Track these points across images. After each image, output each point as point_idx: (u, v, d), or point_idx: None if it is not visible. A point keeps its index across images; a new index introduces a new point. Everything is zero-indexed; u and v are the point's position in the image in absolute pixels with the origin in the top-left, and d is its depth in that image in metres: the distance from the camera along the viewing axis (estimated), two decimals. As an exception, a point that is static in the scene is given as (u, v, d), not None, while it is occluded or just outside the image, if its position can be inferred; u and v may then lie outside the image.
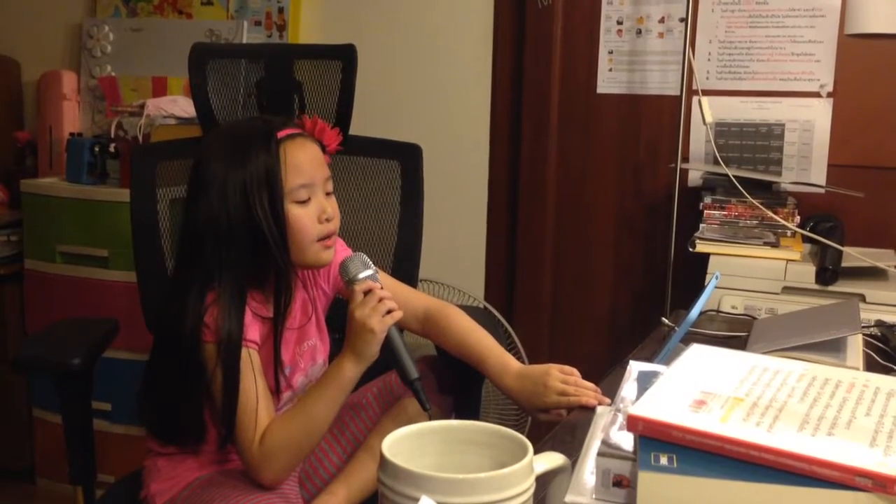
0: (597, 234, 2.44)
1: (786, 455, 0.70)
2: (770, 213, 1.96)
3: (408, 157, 1.75)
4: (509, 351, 1.41)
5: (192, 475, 1.35)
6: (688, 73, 2.14)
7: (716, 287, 1.54)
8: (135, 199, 1.66)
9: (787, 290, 1.83)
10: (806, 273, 1.82)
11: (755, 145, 2.25)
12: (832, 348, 1.32)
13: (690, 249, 1.94)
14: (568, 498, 0.84)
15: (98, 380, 1.52)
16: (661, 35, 2.32)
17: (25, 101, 2.96)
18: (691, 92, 2.18)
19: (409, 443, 0.79)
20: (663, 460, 0.73)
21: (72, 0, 2.88)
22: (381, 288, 1.28)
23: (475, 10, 2.49)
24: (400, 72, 2.57)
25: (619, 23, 2.36)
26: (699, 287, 1.58)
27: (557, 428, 1.14)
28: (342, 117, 1.72)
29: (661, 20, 2.32)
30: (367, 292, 1.26)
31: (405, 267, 1.73)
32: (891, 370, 1.36)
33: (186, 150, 1.68)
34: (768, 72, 2.22)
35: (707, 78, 2.27)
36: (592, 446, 0.95)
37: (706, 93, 2.17)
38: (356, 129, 1.75)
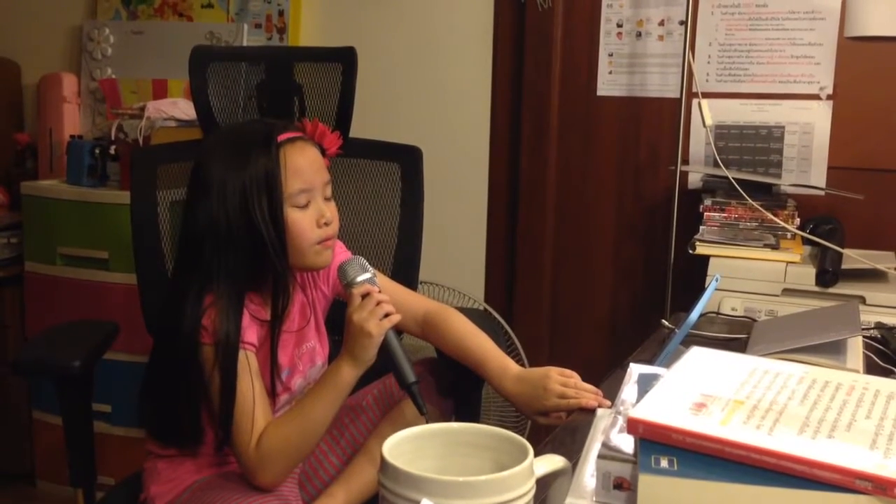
0: (597, 236, 2.44)
1: (786, 458, 0.70)
2: (770, 216, 1.96)
3: (408, 160, 1.75)
4: (509, 353, 1.41)
5: (192, 477, 1.35)
6: (688, 76, 2.14)
7: (716, 289, 1.54)
8: (135, 202, 1.66)
9: (787, 292, 1.83)
10: (806, 275, 1.82)
11: (755, 147, 2.25)
12: (832, 350, 1.32)
13: (690, 251, 1.94)
14: (568, 500, 0.84)
15: (98, 382, 1.52)
16: (660, 38, 2.32)
17: (26, 104, 2.96)
18: (691, 94, 2.18)
19: (409, 445, 0.79)
20: (664, 463, 0.73)
21: (72, 2, 2.88)
22: (380, 291, 1.28)
23: (475, 13, 2.49)
24: (400, 74, 2.58)
25: (619, 25, 2.36)
26: (699, 289, 1.58)
27: (558, 430, 1.14)
28: (342, 120, 1.72)
29: (661, 23, 2.32)
30: (365, 296, 1.26)
31: (405, 269, 1.72)
32: (891, 372, 1.36)
33: (187, 153, 1.68)
34: (768, 74, 2.22)
35: (707, 80, 2.27)
36: (593, 449, 0.95)
37: (706, 95, 2.17)
38: (356, 131, 1.75)
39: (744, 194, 1.96)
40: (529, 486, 0.74)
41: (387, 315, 1.26)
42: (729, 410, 0.78)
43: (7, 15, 2.96)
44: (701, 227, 2.02)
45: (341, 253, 1.44)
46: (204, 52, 1.78)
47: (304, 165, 1.30)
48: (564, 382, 1.27)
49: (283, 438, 1.25)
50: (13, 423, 2.60)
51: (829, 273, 1.79)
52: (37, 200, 2.52)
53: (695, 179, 2.28)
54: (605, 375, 1.32)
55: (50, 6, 2.90)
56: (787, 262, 1.87)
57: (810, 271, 1.83)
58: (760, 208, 1.96)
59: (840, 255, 1.85)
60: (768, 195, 2.05)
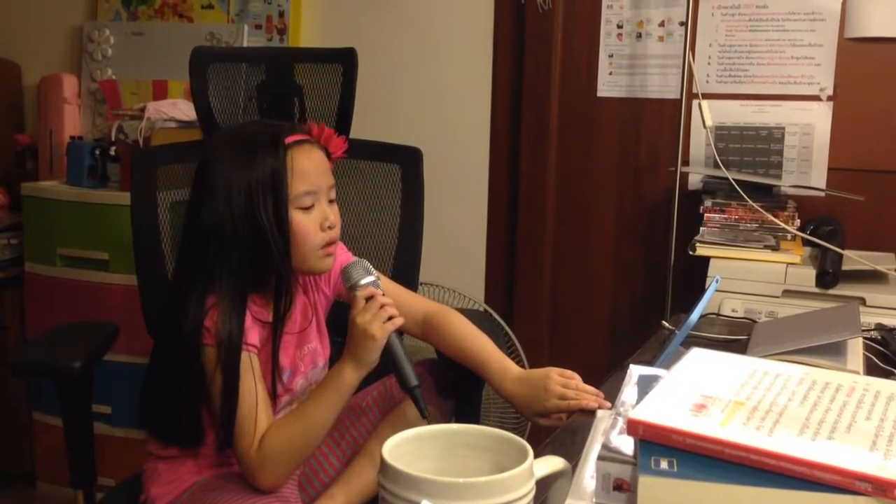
0: (597, 237, 2.44)
1: (786, 459, 0.70)
2: (770, 217, 1.96)
3: (408, 161, 1.75)
4: (509, 354, 1.41)
5: (192, 479, 1.35)
6: (688, 77, 2.14)
7: (716, 290, 1.54)
8: (135, 203, 1.66)
9: (788, 293, 1.83)
10: (806, 276, 1.82)
11: (755, 149, 2.25)
12: (832, 352, 1.32)
13: (691, 253, 1.94)
14: (568, 502, 0.84)
15: (98, 383, 1.52)
16: (661, 39, 2.32)
17: (26, 105, 2.96)
18: (691, 95, 2.18)
19: (409, 446, 0.79)
20: (663, 464, 0.73)
21: (73, 3, 2.88)
22: (383, 294, 1.28)
23: (475, 14, 2.49)
24: (400, 75, 2.58)
25: (620, 26, 2.36)
26: (699, 290, 1.58)
27: (558, 432, 1.14)
28: (343, 121, 1.72)
29: (661, 24, 2.32)
30: (369, 298, 1.26)
31: (405, 270, 1.73)
32: (891, 374, 1.36)
33: (187, 154, 1.68)
34: (768, 75, 2.22)
35: (707, 81, 2.27)
36: (593, 450, 0.95)
37: (706, 96, 2.17)
38: (356, 132, 1.75)
39: (744, 195, 1.96)
40: (529, 487, 0.74)
41: (390, 318, 1.26)
42: (729, 412, 0.78)
43: (7, 16, 2.96)
44: (701, 229, 2.02)
45: (343, 255, 1.44)
46: (204, 52, 1.78)
47: (310, 168, 1.30)
48: (565, 384, 1.27)
49: (285, 440, 1.25)
50: (13, 425, 2.60)
51: (829, 274, 1.79)
52: (37, 201, 2.52)
53: (695, 180, 2.28)
54: (606, 377, 1.32)
55: (50, 7, 2.90)
56: (788, 264, 1.87)
57: (810, 272, 1.83)
58: (761, 209, 1.96)
59: (840, 256, 1.85)
60: (768, 196, 2.05)
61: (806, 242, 1.98)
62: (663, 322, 1.64)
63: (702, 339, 1.52)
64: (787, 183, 2.16)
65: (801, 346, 1.31)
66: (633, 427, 0.76)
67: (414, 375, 1.27)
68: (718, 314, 1.76)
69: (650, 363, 1.26)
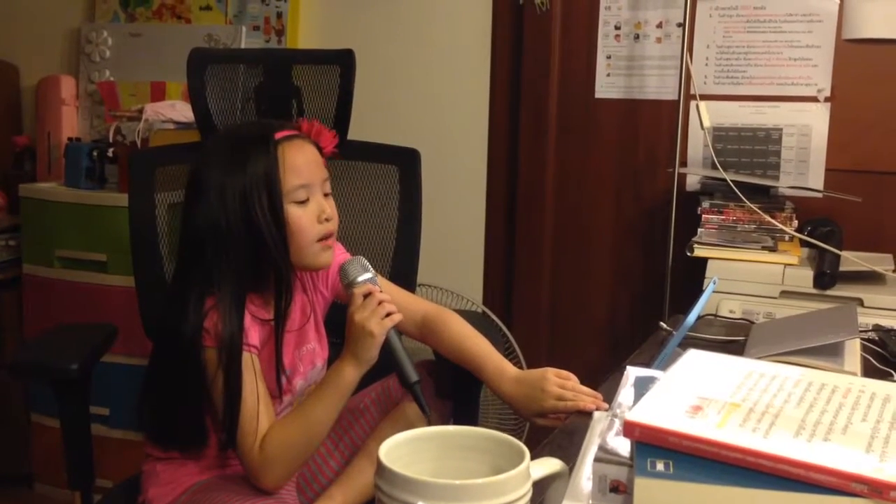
0: (595, 238, 2.44)
1: (782, 461, 0.70)
2: (768, 218, 1.96)
3: (406, 162, 1.75)
4: (507, 356, 1.41)
5: (191, 480, 1.35)
6: (686, 78, 2.14)
7: (714, 291, 1.54)
8: (133, 204, 1.66)
9: (785, 294, 1.83)
10: (804, 277, 1.83)
11: (753, 150, 2.25)
12: (830, 353, 1.32)
13: (688, 254, 1.94)
14: (565, 503, 0.84)
15: (96, 385, 1.52)
16: (658, 40, 2.33)
17: (24, 106, 2.96)
18: (689, 97, 2.18)
19: (406, 448, 0.79)
20: (660, 466, 0.73)
21: (71, 5, 2.88)
22: (381, 291, 1.28)
23: (473, 16, 2.49)
24: (398, 77, 2.58)
25: (617, 28, 2.36)
26: (697, 291, 1.58)
27: (555, 433, 1.14)
28: (340, 122, 1.72)
29: (659, 25, 2.32)
30: (367, 295, 1.26)
31: (403, 271, 1.73)
32: (889, 375, 1.36)
33: (185, 155, 1.68)
34: (766, 76, 2.23)
35: (705, 83, 2.27)
36: (589, 452, 0.95)
37: (704, 97, 2.18)
38: (354, 133, 1.75)
39: (742, 197, 1.96)
40: (526, 489, 0.74)
41: (388, 314, 1.26)
42: (725, 413, 0.78)
43: (5, 17, 2.96)
44: (699, 230, 2.02)
45: (341, 255, 1.44)
46: (202, 54, 1.78)
47: (301, 162, 1.30)
48: (562, 384, 1.27)
49: (287, 440, 1.25)
50: (11, 426, 2.60)
51: (826, 275, 1.79)
52: (35, 203, 2.51)
53: (693, 182, 2.28)
54: (604, 378, 1.32)
55: (48, 9, 2.90)
56: (785, 265, 1.87)
57: (808, 273, 1.83)
58: (758, 210, 1.96)
59: (838, 257, 1.85)
60: (766, 197, 2.05)
61: (804, 243, 1.98)
62: (661, 323, 1.64)
63: (699, 340, 1.52)
64: (784, 184, 2.16)
65: (799, 347, 1.31)
66: (629, 429, 0.76)
67: (414, 372, 1.27)
68: (716, 315, 1.76)
69: (648, 364, 1.26)
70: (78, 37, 2.85)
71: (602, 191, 2.42)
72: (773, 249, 1.91)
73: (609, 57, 2.38)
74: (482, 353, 1.38)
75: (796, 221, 2.00)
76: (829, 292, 1.80)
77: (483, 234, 2.55)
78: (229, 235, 1.26)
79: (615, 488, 0.84)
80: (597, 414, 1.16)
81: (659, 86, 2.33)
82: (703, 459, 0.73)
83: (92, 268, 2.43)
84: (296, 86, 1.77)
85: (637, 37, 2.35)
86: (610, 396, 1.17)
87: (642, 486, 0.73)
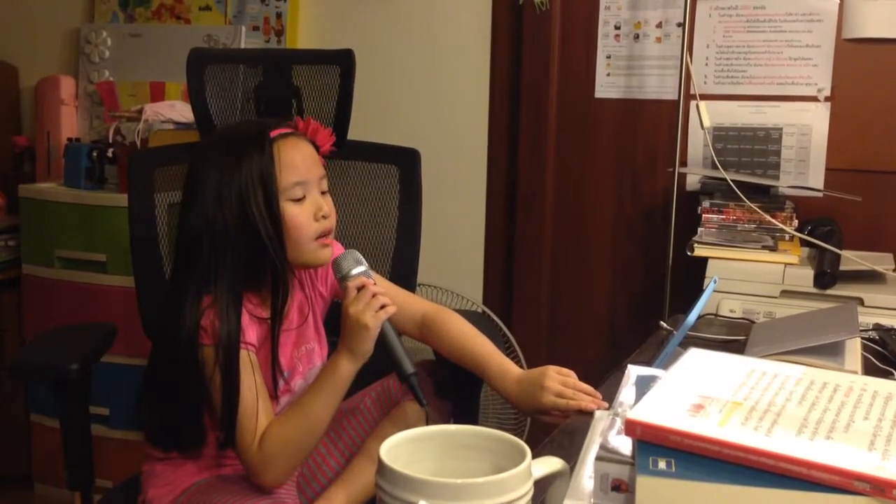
0: (595, 238, 2.44)
1: (784, 459, 0.70)
2: (768, 217, 1.96)
3: (406, 162, 1.75)
4: (508, 355, 1.41)
5: (190, 480, 1.35)
6: (686, 78, 2.14)
7: (714, 291, 1.54)
8: (133, 204, 1.66)
9: (786, 293, 1.83)
10: (804, 277, 1.82)
11: (753, 149, 2.25)
12: (831, 352, 1.32)
13: (689, 253, 1.94)
14: (566, 502, 0.84)
15: (96, 385, 1.52)
16: (658, 40, 2.33)
17: (23, 107, 2.96)
18: (689, 96, 2.18)
19: (407, 447, 0.79)
20: (661, 465, 0.73)
21: (70, 5, 2.88)
22: (375, 284, 1.28)
23: (473, 15, 2.49)
24: (398, 77, 2.58)
25: (617, 28, 2.36)
26: (697, 291, 1.58)
27: (556, 432, 1.14)
28: (340, 122, 1.72)
29: (659, 25, 2.32)
30: (361, 288, 1.26)
31: (403, 271, 1.72)
32: (889, 374, 1.36)
33: (184, 156, 1.67)
34: (766, 76, 2.23)
35: (705, 82, 2.27)
36: (591, 450, 0.95)
37: (704, 97, 2.18)
38: (354, 134, 1.75)
39: (742, 196, 1.96)
40: (527, 488, 0.74)
41: (383, 307, 1.26)
42: (727, 412, 0.78)
43: (5, 18, 2.96)
44: (699, 229, 2.02)
45: (338, 253, 1.44)
46: (201, 54, 1.78)
47: (297, 159, 1.30)
48: (563, 381, 1.27)
49: (286, 437, 1.25)
50: (11, 426, 2.59)
51: (827, 275, 1.79)
52: (35, 203, 2.51)
53: (693, 181, 2.28)
54: (605, 377, 1.32)
55: (48, 9, 2.90)
56: (786, 264, 1.87)
57: (808, 273, 1.83)
58: (758, 210, 1.96)
59: (838, 256, 1.85)
60: (766, 197, 2.05)
61: (804, 243, 1.98)
62: (661, 322, 1.64)
63: (700, 339, 1.52)
64: (784, 183, 2.16)
65: (799, 346, 1.31)
66: (630, 427, 0.76)
67: (410, 363, 1.27)
68: (716, 315, 1.76)
69: (648, 364, 1.26)
70: (77, 37, 2.85)
71: (602, 190, 2.42)
72: (773, 249, 1.90)
73: (609, 57, 2.38)
74: (484, 353, 1.38)
75: (796, 221, 2.00)
76: (829, 292, 1.79)
77: (483, 233, 2.55)
78: (226, 233, 1.26)
79: (617, 487, 0.84)
80: (598, 413, 1.16)
81: (659, 85, 2.33)
82: (704, 458, 0.73)
83: (91, 268, 2.43)
84: (295, 86, 1.77)
85: (637, 36, 2.35)
86: (611, 395, 1.17)
87: (644, 484, 0.72)
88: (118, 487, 1.50)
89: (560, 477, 0.82)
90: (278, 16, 2.67)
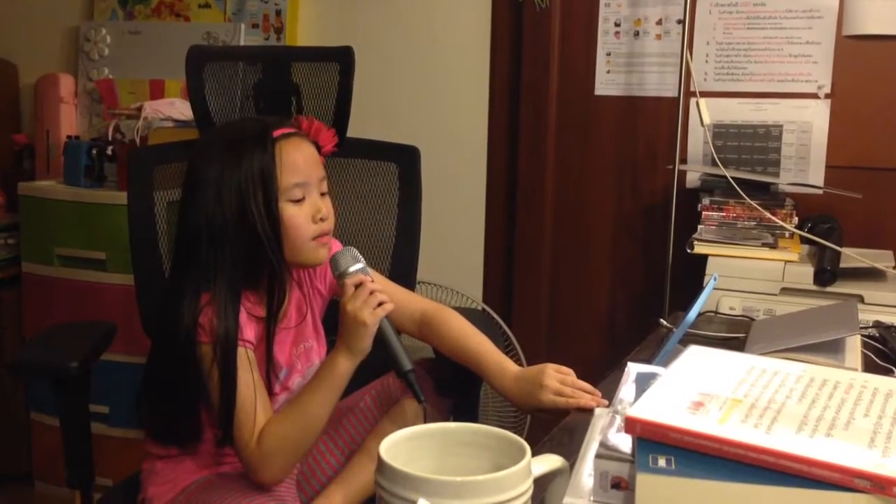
0: (595, 235, 2.44)
1: (784, 456, 0.70)
2: (768, 215, 1.96)
3: (405, 160, 1.75)
4: (508, 353, 1.41)
5: (190, 478, 1.35)
6: (685, 75, 2.14)
7: (714, 288, 1.54)
8: (132, 202, 1.66)
9: (786, 291, 1.83)
10: (804, 274, 1.82)
11: (753, 146, 2.25)
12: (831, 349, 1.32)
13: (689, 251, 1.94)
14: (566, 500, 0.84)
15: (96, 383, 1.52)
16: (658, 37, 2.32)
17: (23, 104, 2.96)
18: (689, 93, 2.18)
19: (406, 445, 0.79)
20: (661, 462, 0.73)
21: (69, 3, 2.88)
22: (372, 281, 1.28)
23: (472, 13, 2.49)
24: (397, 74, 2.57)
25: (617, 25, 2.36)
26: (697, 288, 1.58)
27: (555, 430, 1.14)
28: (340, 120, 1.72)
29: (659, 22, 2.32)
30: (358, 285, 1.26)
31: (403, 269, 1.72)
32: (889, 371, 1.36)
33: (184, 153, 1.67)
34: (766, 73, 2.22)
35: (705, 79, 2.27)
36: (591, 448, 0.95)
37: (704, 94, 2.17)
38: (354, 131, 1.75)
39: (742, 193, 1.96)
40: (527, 485, 0.74)
41: (380, 304, 1.26)
42: (727, 409, 0.78)
43: (4, 15, 2.96)
44: (699, 226, 2.02)
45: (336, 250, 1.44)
46: (200, 52, 1.78)
47: (298, 160, 1.30)
48: (562, 379, 1.27)
49: (284, 434, 1.25)
50: (11, 425, 2.59)
51: (827, 272, 1.79)
52: (34, 201, 2.51)
53: (693, 178, 2.28)
54: (605, 374, 1.32)
55: (47, 7, 2.90)
56: (786, 262, 1.87)
57: (808, 270, 1.83)
58: (759, 207, 1.96)
59: (838, 253, 1.85)
60: (766, 194, 2.05)
61: (804, 240, 1.98)
62: (661, 320, 1.64)
63: (700, 336, 1.52)
64: (784, 181, 2.16)
65: (799, 343, 1.31)
66: (630, 425, 0.76)
67: (408, 360, 1.26)
68: (716, 312, 1.76)
69: (648, 361, 1.26)
70: (77, 35, 2.85)
71: (602, 188, 2.41)
72: (773, 246, 1.90)
73: (609, 54, 2.37)
74: (483, 352, 1.38)
75: (796, 218, 2.00)
76: (829, 289, 1.79)
77: (483, 231, 2.55)
78: (225, 231, 1.25)
79: (616, 484, 0.84)
80: (598, 410, 1.16)
81: (659, 83, 2.33)
82: (704, 455, 0.73)
83: (91, 266, 2.43)
84: (295, 83, 1.77)
85: (637, 34, 2.34)
86: (611, 393, 1.17)
87: (644, 482, 0.72)
88: (118, 486, 1.50)
89: (560, 475, 0.82)
90: (277, 13, 2.66)
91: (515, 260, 2.50)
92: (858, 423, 0.76)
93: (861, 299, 1.75)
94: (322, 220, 1.31)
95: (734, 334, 1.54)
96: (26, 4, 2.92)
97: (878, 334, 1.52)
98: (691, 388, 0.83)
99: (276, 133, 1.30)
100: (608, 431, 0.89)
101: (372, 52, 2.48)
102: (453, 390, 1.47)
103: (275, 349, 1.35)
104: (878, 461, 0.69)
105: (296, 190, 1.29)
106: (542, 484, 0.82)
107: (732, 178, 1.97)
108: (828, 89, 2.18)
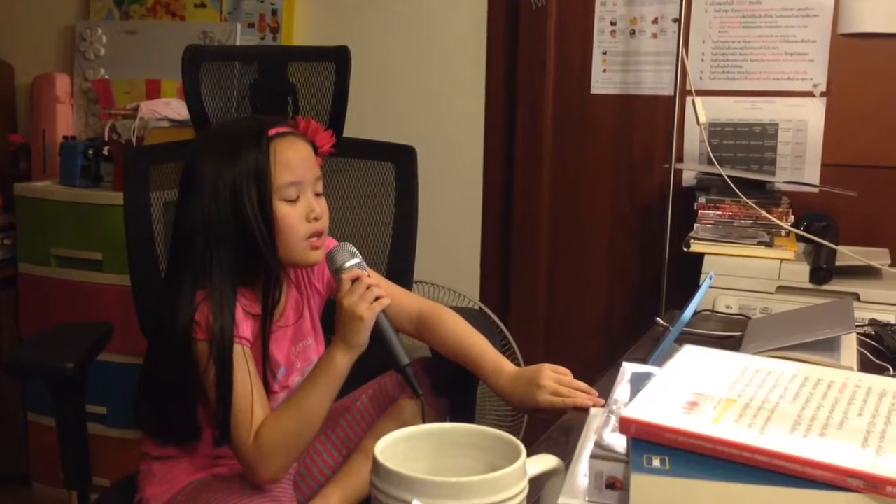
0: (591, 234, 2.44)
1: (778, 456, 0.70)
2: (764, 213, 1.96)
3: (402, 159, 1.75)
4: (505, 352, 1.41)
5: (187, 479, 1.35)
6: (681, 74, 2.14)
7: (710, 287, 1.54)
8: (128, 202, 1.66)
9: (782, 289, 1.83)
10: (800, 272, 1.83)
11: (749, 145, 2.25)
12: (827, 347, 1.32)
13: (685, 249, 1.94)
14: (561, 500, 0.84)
15: (93, 383, 1.52)
16: (654, 35, 2.32)
17: (19, 105, 2.95)
18: (685, 92, 2.18)
19: (402, 446, 0.79)
20: (656, 462, 0.73)
21: (65, 3, 2.87)
22: (369, 276, 1.28)
23: (468, 12, 2.49)
24: (394, 73, 2.57)
25: (613, 23, 2.36)
26: (694, 287, 1.58)
27: (552, 429, 1.14)
28: (336, 119, 1.72)
29: (655, 20, 2.32)
30: (355, 280, 1.26)
31: (400, 269, 1.72)
32: (885, 369, 1.36)
33: (180, 153, 1.66)
34: (762, 71, 2.22)
35: (701, 78, 2.27)
36: (585, 448, 0.95)
37: (700, 93, 2.17)
38: (350, 131, 1.75)
39: (738, 192, 1.96)
40: (522, 486, 0.74)
41: (377, 298, 1.26)
42: (721, 409, 0.78)
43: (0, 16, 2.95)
44: (695, 225, 2.02)
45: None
46: (196, 51, 1.78)
47: (294, 159, 1.30)
48: (558, 379, 1.27)
49: (281, 431, 1.25)
50: (8, 425, 2.59)
51: (823, 270, 1.79)
52: (30, 201, 2.51)
53: (689, 177, 2.28)
54: (601, 374, 1.32)
55: (42, 6, 2.89)
56: (782, 260, 1.87)
57: (804, 268, 1.83)
58: (755, 206, 1.96)
59: (834, 252, 1.85)
60: (762, 192, 2.05)
61: (800, 238, 1.98)
62: (657, 319, 1.64)
63: (696, 335, 1.52)
64: (780, 179, 2.16)
65: (796, 342, 1.31)
66: (625, 425, 0.76)
67: (404, 354, 1.27)
68: (713, 311, 1.76)
69: (644, 360, 1.26)
70: (72, 34, 2.84)
71: (598, 187, 2.41)
72: (769, 244, 1.90)
73: (605, 53, 2.37)
74: (480, 351, 1.38)
75: (792, 216, 2.00)
76: (825, 287, 1.79)
77: (479, 230, 2.55)
78: (220, 228, 1.26)
79: (611, 485, 0.84)
80: (593, 410, 1.16)
81: (655, 81, 2.33)
82: (699, 455, 0.73)
83: (87, 266, 2.43)
84: (291, 83, 1.77)
85: (633, 32, 2.34)
86: (606, 392, 1.17)
87: (638, 482, 0.73)
88: (115, 486, 1.50)
89: (555, 475, 0.82)
90: (273, 13, 2.66)
91: (512, 259, 2.51)
92: (852, 422, 0.76)
93: (857, 297, 1.75)
94: (316, 219, 1.32)
95: (731, 333, 1.54)
96: (22, 4, 2.92)
97: (873, 332, 1.52)
98: (685, 389, 0.83)
99: (272, 132, 1.30)
100: (603, 431, 0.89)
101: (368, 52, 2.48)
102: (450, 389, 1.47)
103: (273, 347, 1.35)
104: (871, 461, 0.69)
105: (290, 189, 1.29)
106: (538, 484, 0.82)
107: (728, 176, 1.97)
108: (823, 87, 2.18)
